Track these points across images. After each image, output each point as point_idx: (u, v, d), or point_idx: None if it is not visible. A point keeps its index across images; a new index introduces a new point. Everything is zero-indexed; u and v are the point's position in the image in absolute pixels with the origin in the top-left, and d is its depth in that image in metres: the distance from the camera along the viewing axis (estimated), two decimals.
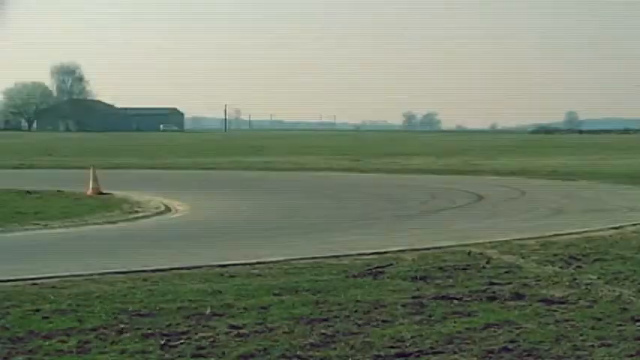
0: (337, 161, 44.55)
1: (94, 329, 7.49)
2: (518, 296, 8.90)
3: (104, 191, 23.47)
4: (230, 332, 7.43)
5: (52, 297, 8.77)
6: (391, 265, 10.85)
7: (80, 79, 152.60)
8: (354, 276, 10.07)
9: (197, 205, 20.77)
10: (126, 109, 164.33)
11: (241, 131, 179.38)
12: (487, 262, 11.01)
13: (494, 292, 9.05)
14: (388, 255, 11.76)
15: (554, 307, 8.47)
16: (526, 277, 10.00)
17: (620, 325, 7.75)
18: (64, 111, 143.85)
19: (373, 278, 9.95)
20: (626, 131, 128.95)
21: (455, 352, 6.88)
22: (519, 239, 13.34)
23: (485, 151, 60.51)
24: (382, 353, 6.85)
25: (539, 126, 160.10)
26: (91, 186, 23.60)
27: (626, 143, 76.40)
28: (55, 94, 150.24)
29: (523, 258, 11.47)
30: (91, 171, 24.29)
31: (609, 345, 7.10)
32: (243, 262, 11.14)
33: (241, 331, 7.48)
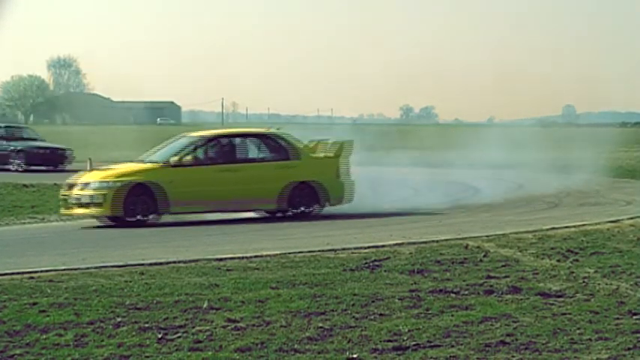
0: None
1: (91, 323, 7.49)
2: (516, 290, 8.90)
3: None
4: (227, 326, 7.43)
5: (49, 290, 8.76)
6: (388, 258, 10.84)
7: (77, 72, 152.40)
8: (352, 269, 10.06)
9: None
10: (123, 102, 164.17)
11: (239, 124, 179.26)
12: (484, 256, 11.00)
13: (491, 286, 9.05)
14: (385, 248, 11.74)
15: (551, 300, 8.47)
16: (523, 271, 9.99)
17: (618, 318, 7.76)
18: (61, 104, 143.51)
19: (370, 272, 9.95)
20: (624, 125, 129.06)
21: (452, 346, 6.88)
22: (516, 232, 13.33)
23: (481, 143, 60.35)
24: (379, 347, 6.85)
25: (536, 119, 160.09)
26: None
27: (623, 137, 76.38)
28: (51, 87, 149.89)
29: (520, 251, 11.46)
30: (87, 164, 24.24)
31: (606, 338, 7.11)
32: (240, 255, 11.14)
33: (238, 324, 7.48)
